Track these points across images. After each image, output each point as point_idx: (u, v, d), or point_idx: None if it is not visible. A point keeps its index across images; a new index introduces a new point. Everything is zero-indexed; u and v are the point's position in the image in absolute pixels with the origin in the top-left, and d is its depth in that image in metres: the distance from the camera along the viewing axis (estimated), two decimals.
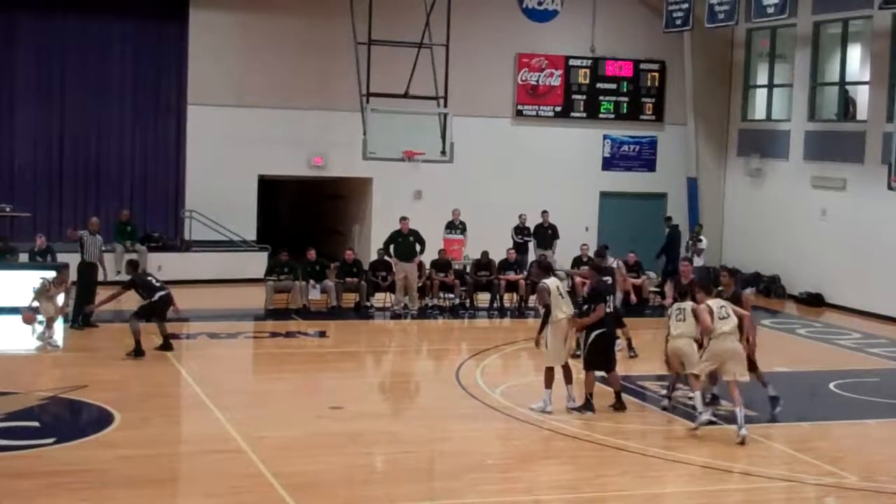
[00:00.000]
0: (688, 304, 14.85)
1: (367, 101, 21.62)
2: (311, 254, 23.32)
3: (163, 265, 24.87)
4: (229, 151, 26.61)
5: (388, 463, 13.19)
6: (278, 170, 27.56)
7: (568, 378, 15.09)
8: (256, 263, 25.01)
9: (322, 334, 20.87)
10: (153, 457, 12.68)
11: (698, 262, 25.21)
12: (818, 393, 17.25)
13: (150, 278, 18.63)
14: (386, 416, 15.41)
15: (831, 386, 17.36)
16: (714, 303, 14.41)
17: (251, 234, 26.96)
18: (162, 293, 17.98)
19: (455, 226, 25.66)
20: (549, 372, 14.92)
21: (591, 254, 25.72)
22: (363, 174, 26.94)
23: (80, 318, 19.77)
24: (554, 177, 28.47)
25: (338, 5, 23.44)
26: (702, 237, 26.51)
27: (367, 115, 21.50)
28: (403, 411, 16.04)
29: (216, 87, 26.54)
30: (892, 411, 16.05)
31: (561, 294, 15.01)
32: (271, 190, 29.37)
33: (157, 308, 18.00)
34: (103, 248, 20.82)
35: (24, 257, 22.63)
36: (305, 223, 32.11)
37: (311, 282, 22.90)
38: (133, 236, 25.21)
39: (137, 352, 17.50)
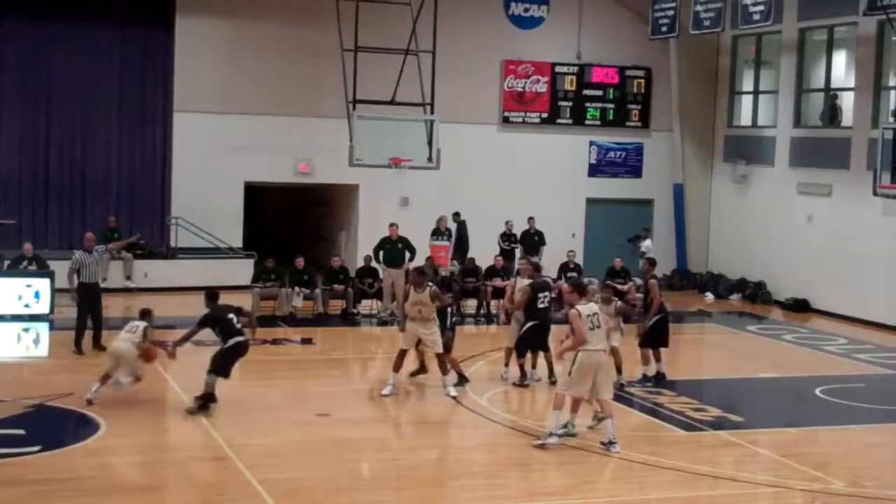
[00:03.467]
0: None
1: (354, 108, 21.65)
2: (300, 262, 23.27)
3: (149, 272, 24.92)
4: (215, 158, 26.55)
5: (375, 470, 13.17)
6: (264, 176, 27.51)
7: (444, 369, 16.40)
8: (243, 270, 24.90)
9: (309, 341, 20.85)
10: (139, 464, 12.66)
11: None
12: (804, 399, 17.30)
13: (231, 316, 14.75)
14: (373, 422, 15.36)
15: (817, 392, 17.40)
16: (585, 308, 13.54)
17: (237, 241, 26.90)
18: (240, 338, 14.69)
19: (441, 232, 25.66)
20: (441, 357, 16.38)
21: (577, 260, 25.91)
22: (350, 181, 26.94)
23: (94, 342, 18.41)
24: (540, 183, 28.49)
25: (324, 12, 23.43)
26: (647, 240, 26.49)
27: (353, 122, 21.52)
28: (390, 418, 16.01)
29: (202, 94, 26.48)
30: (879, 417, 16.13)
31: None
32: (257, 197, 29.33)
33: (236, 356, 14.69)
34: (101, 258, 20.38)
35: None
36: (292, 230, 32.06)
37: (297, 289, 22.85)
38: None
39: (205, 407, 14.64)
